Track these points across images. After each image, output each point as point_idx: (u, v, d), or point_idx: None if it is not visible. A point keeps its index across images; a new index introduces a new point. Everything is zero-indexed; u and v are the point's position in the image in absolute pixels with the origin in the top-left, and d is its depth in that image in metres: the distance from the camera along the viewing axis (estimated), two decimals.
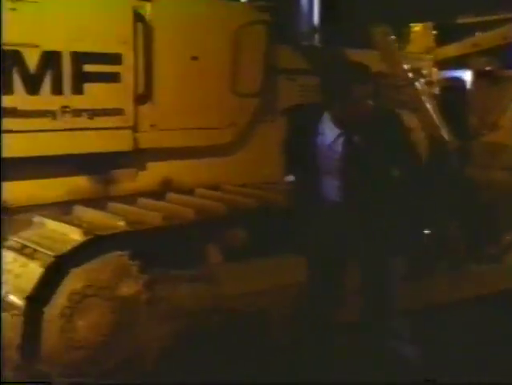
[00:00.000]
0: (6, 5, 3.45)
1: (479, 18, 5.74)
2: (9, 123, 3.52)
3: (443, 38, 5.74)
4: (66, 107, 3.69)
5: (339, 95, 3.36)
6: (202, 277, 3.93)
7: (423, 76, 5.49)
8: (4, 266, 3.57)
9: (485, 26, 5.65)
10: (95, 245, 3.49)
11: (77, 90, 3.70)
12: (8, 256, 3.59)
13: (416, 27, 5.76)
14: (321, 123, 3.46)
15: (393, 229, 3.53)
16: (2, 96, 3.47)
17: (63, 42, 3.64)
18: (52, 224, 3.69)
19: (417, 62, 5.54)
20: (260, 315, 4.04)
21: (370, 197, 3.44)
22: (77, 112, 3.72)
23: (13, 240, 3.67)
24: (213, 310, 3.86)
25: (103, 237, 3.47)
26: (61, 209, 3.90)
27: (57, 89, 3.65)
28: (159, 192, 4.22)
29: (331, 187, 3.50)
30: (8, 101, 3.51)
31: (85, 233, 3.45)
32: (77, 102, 3.72)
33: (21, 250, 3.55)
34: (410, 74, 5.36)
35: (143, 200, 4.09)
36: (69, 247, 3.39)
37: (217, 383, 3.65)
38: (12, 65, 3.50)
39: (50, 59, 3.61)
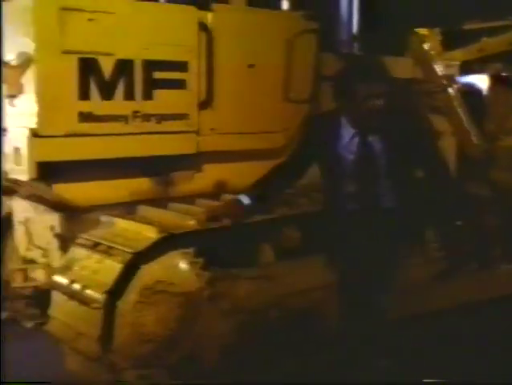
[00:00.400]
0: (85, 15, 3.65)
1: (487, 24, 5.82)
2: (85, 127, 3.71)
3: (451, 43, 5.85)
4: (137, 112, 3.88)
5: (346, 95, 3.47)
6: (259, 275, 4.09)
7: (455, 82, 5.69)
8: (76, 262, 3.76)
9: (492, 32, 5.72)
10: (165, 242, 3.65)
11: (147, 96, 3.89)
12: (80, 253, 3.77)
13: (423, 32, 5.78)
14: (339, 125, 3.56)
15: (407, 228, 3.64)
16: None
17: (135, 51, 3.83)
18: (123, 223, 3.85)
19: (450, 69, 5.73)
20: (312, 312, 4.19)
21: (385, 198, 3.55)
22: (147, 117, 3.91)
23: (83, 238, 3.84)
24: (268, 307, 4.00)
25: (176, 235, 3.64)
26: (124, 209, 4.07)
27: (129, 95, 3.84)
28: (213, 194, 4.38)
29: (349, 187, 3.57)
30: (85, 106, 3.71)
31: (160, 231, 3.61)
32: (147, 107, 3.91)
33: (94, 247, 3.71)
34: (444, 81, 5.60)
35: (202, 201, 4.25)
36: (146, 244, 3.55)
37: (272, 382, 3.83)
38: (89, 72, 3.69)
39: (124, 67, 3.80)
